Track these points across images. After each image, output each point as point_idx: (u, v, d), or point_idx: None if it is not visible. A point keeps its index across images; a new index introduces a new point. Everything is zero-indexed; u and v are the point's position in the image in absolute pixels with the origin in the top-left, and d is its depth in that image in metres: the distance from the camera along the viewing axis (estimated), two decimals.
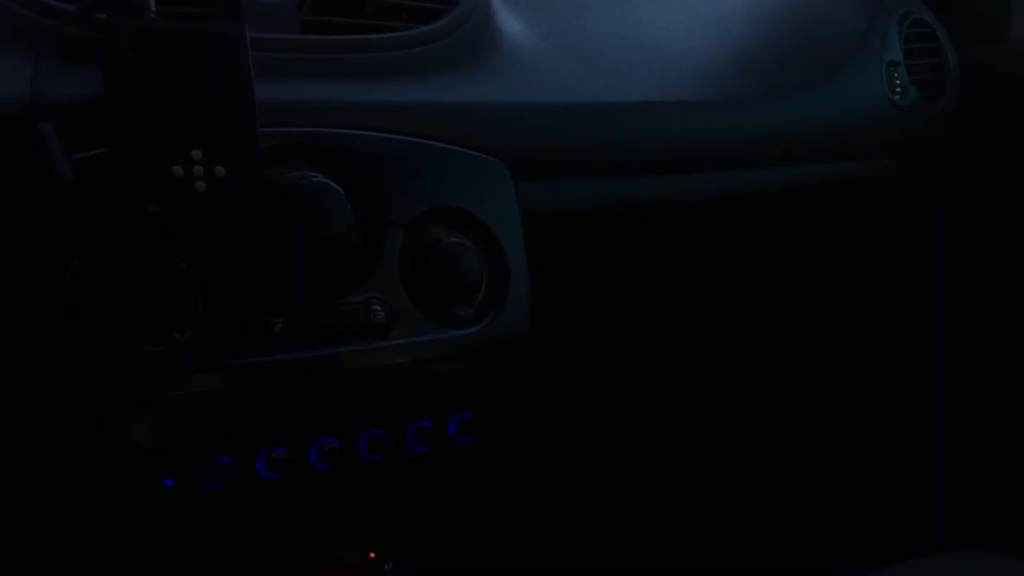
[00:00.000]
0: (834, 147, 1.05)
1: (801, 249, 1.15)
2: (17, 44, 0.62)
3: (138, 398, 0.63)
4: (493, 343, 0.75)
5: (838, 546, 1.34)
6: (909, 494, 1.33)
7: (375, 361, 0.71)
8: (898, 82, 1.10)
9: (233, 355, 0.65)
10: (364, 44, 0.75)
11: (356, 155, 0.71)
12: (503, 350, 0.76)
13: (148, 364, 0.62)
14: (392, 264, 0.71)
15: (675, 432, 1.35)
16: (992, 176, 1.19)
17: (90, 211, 0.61)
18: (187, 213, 0.63)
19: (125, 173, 0.59)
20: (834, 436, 1.39)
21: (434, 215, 0.74)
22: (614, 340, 1.14)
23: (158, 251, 0.62)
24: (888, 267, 1.27)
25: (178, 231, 0.63)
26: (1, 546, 0.69)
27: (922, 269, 1.28)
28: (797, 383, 1.37)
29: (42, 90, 0.60)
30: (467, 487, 0.77)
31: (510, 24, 0.86)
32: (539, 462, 0.84)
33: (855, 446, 1.38)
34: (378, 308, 0.70)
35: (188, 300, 0.63)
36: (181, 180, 0.60)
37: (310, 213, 0.66)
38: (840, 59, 1.07)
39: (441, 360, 0.74)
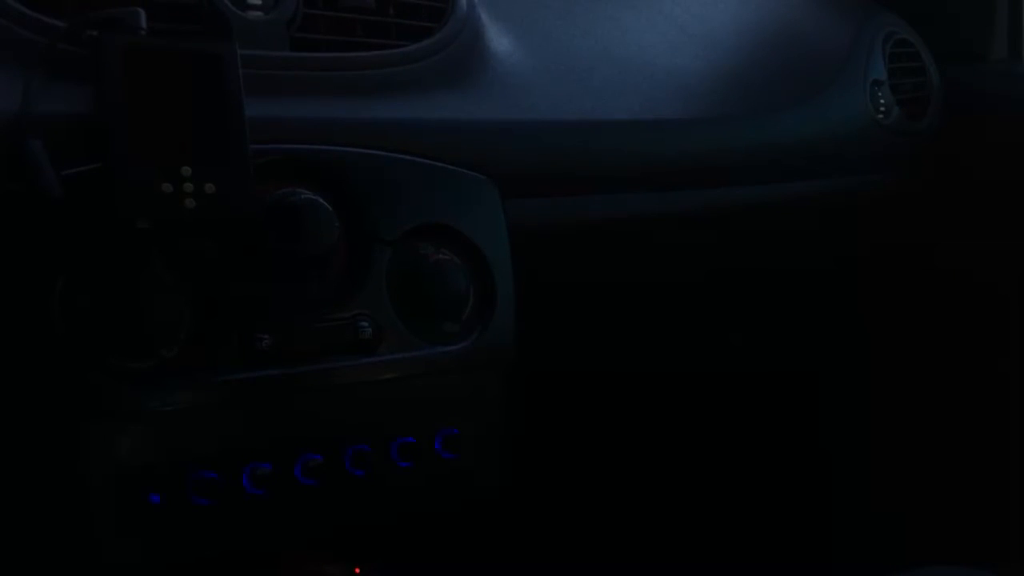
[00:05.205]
0: (819, 164, 1.06)
1: (787, 264, 1.16)
2: (7, 60, 0.62)
3: (124, 413, 0.63)
4: (479, 359, 0.75)
5: (820, 560, 1.35)
6: (888, 508, 1.34)
7: (361, 377, 0.71)
8: (882, 101, 1.11)
9: (219, 371, 0.65)
10: (354, 62, 0.75)
11: (345, 172, 0.71)
12: (489, 366, 0.77)
13: (135, 380, 0.62)
14: (380, 281, 0.71)
15: (664, 446, 1.35)
16: (973, 193, 1.21)
17: (78, 226, 0.61)
18: (176, 230, 0.63)
19: (114, 190, 0.60)
20: (815, 451, 1.40)
21: (422, 232, 0.74)
22: (603, 359, 1.15)
23: (146, 267, 0.62)
24: (874, 282, 1.28)
25: (166, 247, 0.63)
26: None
27: (906, 284, 1.29)
28: (783, 395, 1.38)
29: (32, 106, 0.60)
30: (452, 502, 0.78)
31: (499, 42, 0.87)
32: (525, 477, 0.84)
33: (835, 461, 1.39)
34: (365, 324, 0.70)
35: (175, 316, 0.63)
36: (170, 197, 0.60)
37: (298, 229, 0.66)
38: (825, 78, 1.08)
39: (427, 376, 0.74)
